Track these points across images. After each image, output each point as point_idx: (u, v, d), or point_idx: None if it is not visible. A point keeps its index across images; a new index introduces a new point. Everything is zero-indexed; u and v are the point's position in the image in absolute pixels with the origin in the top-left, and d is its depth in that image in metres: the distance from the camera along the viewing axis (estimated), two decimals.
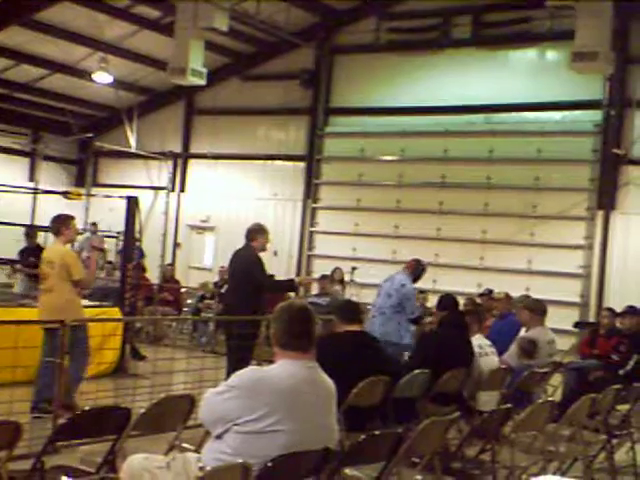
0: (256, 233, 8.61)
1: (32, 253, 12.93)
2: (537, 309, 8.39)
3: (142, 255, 14.43)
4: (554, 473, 5.54)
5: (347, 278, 14.93)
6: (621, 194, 14.71)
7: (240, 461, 3.56)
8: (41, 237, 14.33)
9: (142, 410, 4.65)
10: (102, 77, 17.15)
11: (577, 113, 15.29)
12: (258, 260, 8.53)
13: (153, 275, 16.76)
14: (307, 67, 17.83)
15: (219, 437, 3.79)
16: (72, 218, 8.12)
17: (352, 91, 17.55)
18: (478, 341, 7.46)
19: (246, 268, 8.48)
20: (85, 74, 17.37)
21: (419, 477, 4.76)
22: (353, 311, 6.29)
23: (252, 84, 18.51)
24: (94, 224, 17.06)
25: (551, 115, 15.48)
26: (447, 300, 7.98)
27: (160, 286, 15.91)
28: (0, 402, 6.20)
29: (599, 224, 14.76)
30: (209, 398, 3.90)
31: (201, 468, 3.69)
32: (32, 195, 18.41)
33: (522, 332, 8.65)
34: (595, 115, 15.02)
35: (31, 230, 13.54)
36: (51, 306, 7.73)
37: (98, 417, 4.53)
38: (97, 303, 11.29)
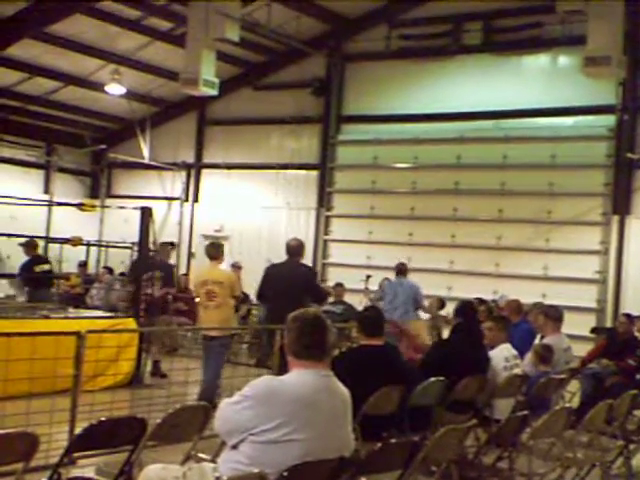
0: (302, 250, 9.60)
1: (36, 264, 12.98)
2: (553, 315, 8.36)
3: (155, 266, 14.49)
4: None
5: (362, 286, 14.94)
6: (636, 198, 14.63)
7: (256, 471, 3.55)
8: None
9: (158, 420, 4.65)
10: (115, 89, 17.24)
11: (590, 118, 15.21)
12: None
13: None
14: (318, 75, 17.86)
15: (235, 447, 3.78)
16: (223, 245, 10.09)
17: (364, 99, 17.55)
18: (504, 353, 7.40)
19: (309, 282, 9.36)
20: (98, 86, 17.46)
21: None
22: (376, 326, 6.23)
23: (264, 93, 18.55)
24: None
25: (564, 120, 15.42)
26: (463, 307, 7.93)
27: (174, 296, 15.93)
28: (17, 414, 6.22)
29: (614, 229, 14.69)
30: (224, 408, 3.90)
31: (217, 478, 3.69)
32: (47, 207, 18.48)
33: (537, 339, 8.63)
34: (608, 120, 14.95)
35: (32, 242, 13.56)
36: (221, 319, 9.21)
37: (114, 428, 4.53)
38: (112, 314, 11.36)
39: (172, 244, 14.21)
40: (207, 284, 9.25)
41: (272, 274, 9.44)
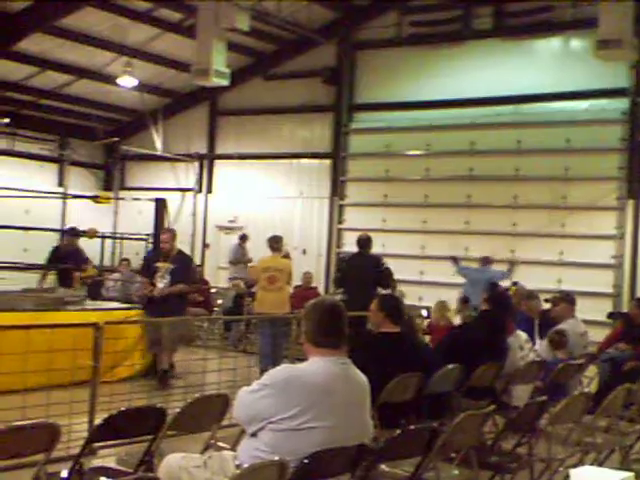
0: (371, 242, 10.99)
1: (67, 255, 12.95)
2: (567, 300, 8.35)
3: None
4: (591, 464, 5.48)
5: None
6: None
7: (276, 458, 3.57)
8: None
9: (177, 410, 4.67)
10: (127, 81, 17.24)
11: (604, 101, 15.11)
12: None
13: None
14: (330, 64, 17.81)
15: (254, 435, 3.80)
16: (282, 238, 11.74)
17: (376, 86, 17.50)
18: (519, 340, 7.40)
19: (378, 270, 10.66)
20: (110, 79, 17.48)
21: (456, 472, 4.75)
22: (400, 314, 6.26)
23: (275, 83, 18.52)
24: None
25: (578, 104, 15.32)
26: (494, 296, 7.86)
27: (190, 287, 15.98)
28: (37, 405, 6.26)
29: (630, 213, 14.61)
30: (243, 396, 3.92)
31: (238, 466, 3.71)
32: (62, 200, 18.57)
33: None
34: (622, 103, 14.85)
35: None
36: (280, 301, 11.00)
37: (134, 418, 4.56)
38: (128, 305, 11.40)
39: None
40: (269, 270, 11.07)
41: (346, 265, 11.23)
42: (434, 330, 11.04)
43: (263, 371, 9.36)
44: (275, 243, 11.40)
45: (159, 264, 10.09)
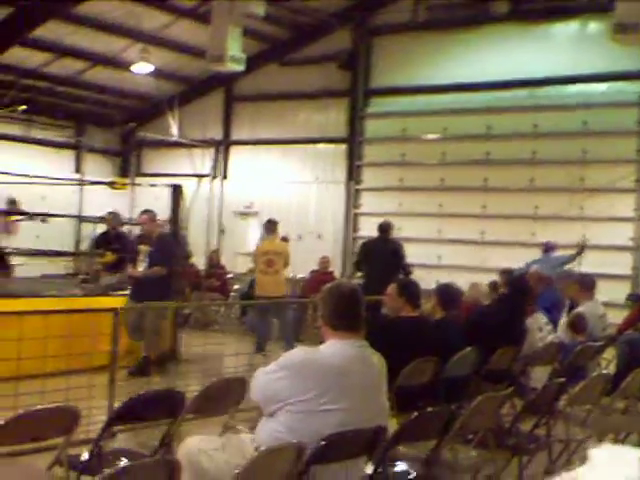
0: (391, 228, 11.49)
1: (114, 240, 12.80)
2: (586, 283, 8.31)
3: (186, 242, 14.57)
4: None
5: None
6: None
7: (294, 441, 3.58)
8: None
9: (195, 394, 4.70)
10: (142, 68, 17.24)
11: (621, 84, 15.01)
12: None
13: (199, 262, 16.91)
14: (345, 49, 17.72)
15: (271, 416, 3.82)
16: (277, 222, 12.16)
17: (392, 71, 17.42)
18: (538, 322, 7.40)
19: (399, 255, 11.14)
20: (125, 65, 17.49)
21: (474, 453, 4.76)
22: (418, 297, 6.29)
23: (291, 69, 18.46)
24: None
25: (595, 87, 15.21)
26: (515, 280, 7.87)
27: (207, 272, 16.06)
28: (56, 390, 6.31)
29: None
30: (260, 377, 3.94)
31: (256, 448, 3.72)
32: (79, 186, 18.64)
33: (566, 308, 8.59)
34: (638, 85, 14.74)
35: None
36: (277, 284, 11.54)
37: (153, 401, 4.59)
38: None
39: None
40: (268, 254, 11.59)
41: (366, 249, 11.50)
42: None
43: (258, 350, 10.65)
44: (271, 227, 11.95)
45: (141, 247, 9.95)
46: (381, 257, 10.89)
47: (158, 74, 18.02)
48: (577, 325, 7.72)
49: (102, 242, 12.92)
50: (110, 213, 13.26)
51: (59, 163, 19.39)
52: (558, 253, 13.50)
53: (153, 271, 9.68)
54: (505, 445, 4.96)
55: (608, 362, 8.69)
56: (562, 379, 5.54)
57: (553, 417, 5.33)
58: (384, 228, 11.29)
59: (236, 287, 15.82)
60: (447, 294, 6.79)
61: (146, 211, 10.57)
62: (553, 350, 7.19)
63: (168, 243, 10.41)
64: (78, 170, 19.78)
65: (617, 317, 10.24)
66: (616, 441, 5.86)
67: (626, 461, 2.81)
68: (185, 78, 19.34)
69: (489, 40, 16.11)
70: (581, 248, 13.44)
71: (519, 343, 6.95)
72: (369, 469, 3.98)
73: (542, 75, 15.39)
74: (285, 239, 13.98)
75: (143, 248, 9.87)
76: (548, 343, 7.18)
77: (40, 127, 18.82)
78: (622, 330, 9.64)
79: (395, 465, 4.32)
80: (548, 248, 13.25)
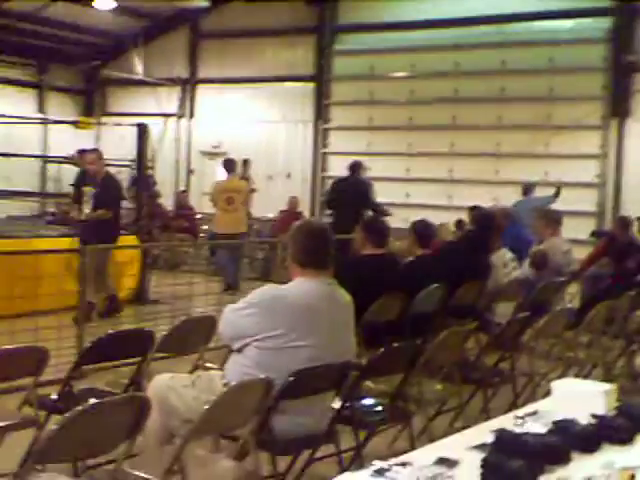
0: (361, 166, 11.30)
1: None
2: (552, 219, 8.39)
3: (153, 183, 14.43)
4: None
5: None
6: (635, 101, 14.53)
7: (262, 376, 3.63)
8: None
9: (164, 333, 4.73)
10: (105, 3, 16.89)
11: (587, 21, 14.99)
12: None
13: (167, 203, 16.81)
14: None
15: (240, 352, 3.86)
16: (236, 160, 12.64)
17: (359, 7, 17.20)
18: (504, 257, 7.47)
19: (367, 195, 10.94)
20: (87, 1, 17.10)
21: (439, 387, 4.85)
22: (383, 235, 6.29)
23: (257, 5, 18.12)
24: None
25: (561, 24, 15.18)
26: (480, 217, 7.90)
27: (176, 213, 15.99)
28: (25, 329, 6.31)
29: (613, 132, 14.62)
30: (228, 314, 3.97)
31: (225, 384, 3.77)
32: (42, 126, 18.35)
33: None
34: (606, 22, 14.73)
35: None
36: (238, 221, 11.80)
37: (122, 340, 4.62)
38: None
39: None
40: (228, 192, 11.81)
41: (337, 188, 11.48)
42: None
43: (230, 286, 11.00)
44: (230, 165, 12.22)
45: (85, 188, 9.47)
46: (350, 196, 10.83)
47: (121, 10, 17.65)
48: (538, 262, 7.81)
49: (82, 181, 12.67)
50: (80, 151, 12.97)
51: (22, 102, 19.04)
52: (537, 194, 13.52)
53: (98, 214, 9.21)
54: (470, 379, 5.06)
55: (572, 297, 8.85)
56: (526, 313, 5.63)
57: (517, 351, 5.44)
58: (354, 168, 11.27)
59: (205, 227, 15.77)
60: (424, 231, 6.77)
61: (92, 150, 10.15)
62: (517, 286, 7.28)
63: (114, 184, 9.80)
64: (41, 109, 19.44)
65: (582, 253, 10.39)
66: (580, 375, 6.00)
67: (589, 394, 2.89)
68: (149, 14, 18.97)
69: None
70: (558, 189, 13.51)
71: (484, 279, 7.03)
72: (337, 404, 4.05)
73: (510, 11, 15.31)
74: (244, 178, 14.02)
75: (87, 189, 9.40)
76: (512, 279, 7.27)
77: (1, 65, 18.42)
78: (586, 266, 9.79)
79: (362, 400, 4.39)
80: (527, 189, 13.22)
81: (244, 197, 12.12)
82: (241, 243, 12.21)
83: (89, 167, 9.54)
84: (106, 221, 9.23)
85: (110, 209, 9.32)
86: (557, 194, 13.17)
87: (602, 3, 14.63)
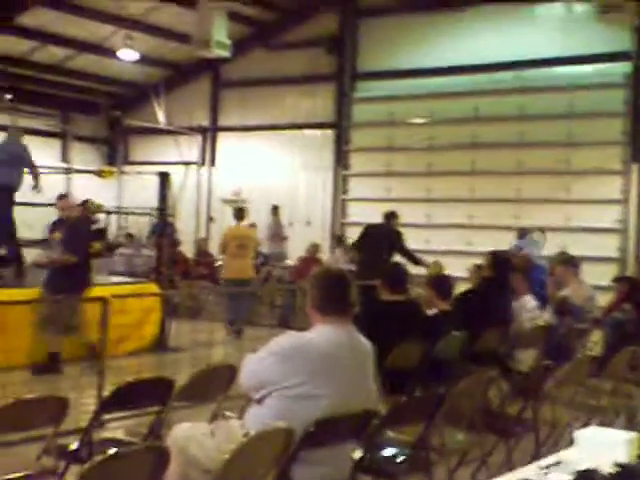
0: (395, 216, 11.78)
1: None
2: (569, 262, 8.37)
3: (174, 230, 14.55)
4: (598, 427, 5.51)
5: None
6: None
7: (283, 425, 3.60)
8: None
9: (184, 381, 4.71)
10: (128, 54, 17.16)
11: (607, 65, 15.01)
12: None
13: (188, 250, 16.88)
14: (332, 32, 17.65)
15: (260, 402, 3.83)
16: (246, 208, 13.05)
17: (378, 55, 17.38)
18: (528, 304, 7.43)
19: (395, 243, 11.33)
20: (111, 52, 17.41)
21: (462, 436, 4.79)
22: (399, 281, 6.25)
23: (277, 53, 18.39)
24: None
25: (580, 69, 15.22)
26: (498, 261, 7.86)
27: (196, 260, 16.05)
28: (46, 380, 6.31)
29: (634, 177, 14.58)
30: (249, 363, 3.95)
31: (245, 434, 3.74)
32: (66, 175, 18.55)
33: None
34: (625, 67, 14.75)
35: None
36: (247, 267, 12.17)
37: (142, 389, 4.59)
38: (134, 280, 11.45)
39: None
40: (240, 239, 12.20)
41: (368, 232, 11.69)
42: None
43: (234, 331, 11.53)
44: (240, 213, 12.63)
45: (55, 234, 9.28)
46: (380, 243, 11.07)
47: (143, 60, 17.94)
48: (561, 308, 7.77)
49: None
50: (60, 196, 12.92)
51: (46, 152, 19.25)
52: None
53: (56, 260, 8.72)
54: (493, 428, 5.00)
55: (595, 344, 8.75)
56: (548, 361, 5.57)
57: (540, 399, 5.37)
58: (389, 216, 11.67)
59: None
60: (441, 285, 6.76)
61: (61, 195, 9.91)
62: (540, 332, 7.22)
63: (80, 229, 9.21)
64: (65, 158, 19.68)
65: (604, 299, 10.31)
66: (603, 423, 5.91)
67: (612, 443, 2.85)
68: (171, 64, 19.26)
69: (475, 22, 16.08)
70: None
71: (505, 324, 6.98)
72: (358, 454, 4.01)
73: (528, 57, 15.40)
74: (253, 225, 14.50)
75: (56, 235, 9.16)
76: (534, 326, 7.22)
77: (26, 116, 18.68)
78: (608, 312, 9.71)
79: (383, 449, 4.34)
80: (525, 233, 13.36)
81: (254, 244, 12.63)
82: (253, 289, 12.75)
83: (60, 213, 9.28)
84: (74, 267, 8.64)
85: (74, 255, 8.67)
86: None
87: (621, 47, 14.67)
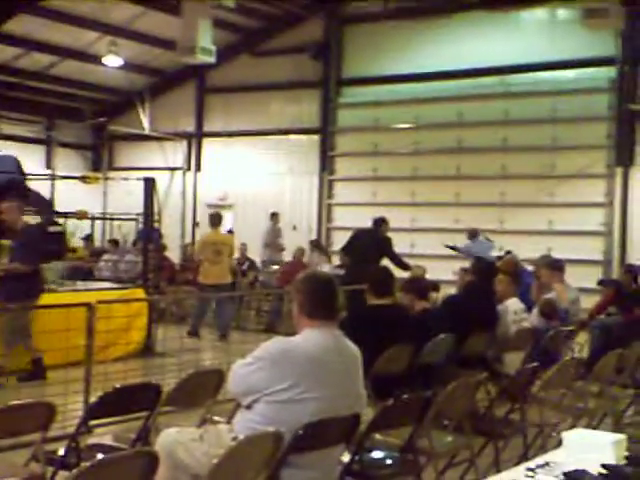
0: (385, 222, 11.80)
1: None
2: (555, 267, 8.41)
3: (159, 236, 14.49)
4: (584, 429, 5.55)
5: None
6: (639, 149, 14.61)
7: (272, 430, 3.60)
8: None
9: (172, 386, 4.70)
10: (112, 60, 17.15)
11: (591, 70, 15.15)
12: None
13: (174, 255, 16.85)
14: (317, 39, 17.74)
15: (249, 407, 3.83)
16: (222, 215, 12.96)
17: (363, 61, 17.45)
18: (514, 306, 7.46)
19: (383, 249, 11.35)
20: (95, 59, 17.38)
21: (449, 439, 4.80)
22: (385, 285, 6.25)
23: (262, 59, 18.43)
24: None
25: (565, 74, 15.35)
26: (480, 267, 7.92)
27: (182, 265, 16.01)
28: (32, 385, 6.28)
29: (618, 180, 14.69)
30: (237, 370, 3.94)
31: (234, 438, 3.73)
32: (50, 182, 18.48)
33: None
34: (609, 72, 14.88)
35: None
36: (224, 272, 12.22)
37: (129, 394, 4.58)
38: (121, 285, 11.41)
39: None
40: (216, 244, 12.20)
41: (357, 237, 11.72)
42: None
43: (194, 332, 11.53)
44: (215, 220, 12.62)
45: (2, 241, 8.75)
46: (369, 248, 11.08)
47: (128, 67, 17.92)
48: (547, 311, 7.80)
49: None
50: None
51: (30, 158, 19.17)
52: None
53: (9, 268, 8.31)
54: (480, 430, 5.01)
55: (581, 346, 8.80)
56: (535, 364, 5.59)
57: (527, 402, 5.39)
58: (378, 222, 11.73)
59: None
60: (419, 285, 6.86)
61: (8, 200, 8.91)
62: (525, 335, 7.25)
63: (34, 236, 8.71)
64: (49, 165, 19.62)
65: (588, 302, 10.37)
66: (590, 425, 5.94)
67: (599, 445, 2.88)
68: (156, 70, 19.25)
69: (459, 28, 16.18)
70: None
71: (491, 327, 7.01)
72: (346, 457, 4.01)
73: (512, 62, 15.51)
74: (230, 232, 14.66)
75: (4, 242, 8.63)
76: (520, 329, 7.25)
77: (10, 122, 18.65)
78: (594, 315, 9.76)
79: (372, 452, 4.35)
80: (475, 234, 13.57)
81: (230, 250, 12.60)
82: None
83: (3, 217, 8.55)
84: (26, 276, 8.28)
85: (29, 263, 8.33)
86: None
87: (605, 52, 14.78)
